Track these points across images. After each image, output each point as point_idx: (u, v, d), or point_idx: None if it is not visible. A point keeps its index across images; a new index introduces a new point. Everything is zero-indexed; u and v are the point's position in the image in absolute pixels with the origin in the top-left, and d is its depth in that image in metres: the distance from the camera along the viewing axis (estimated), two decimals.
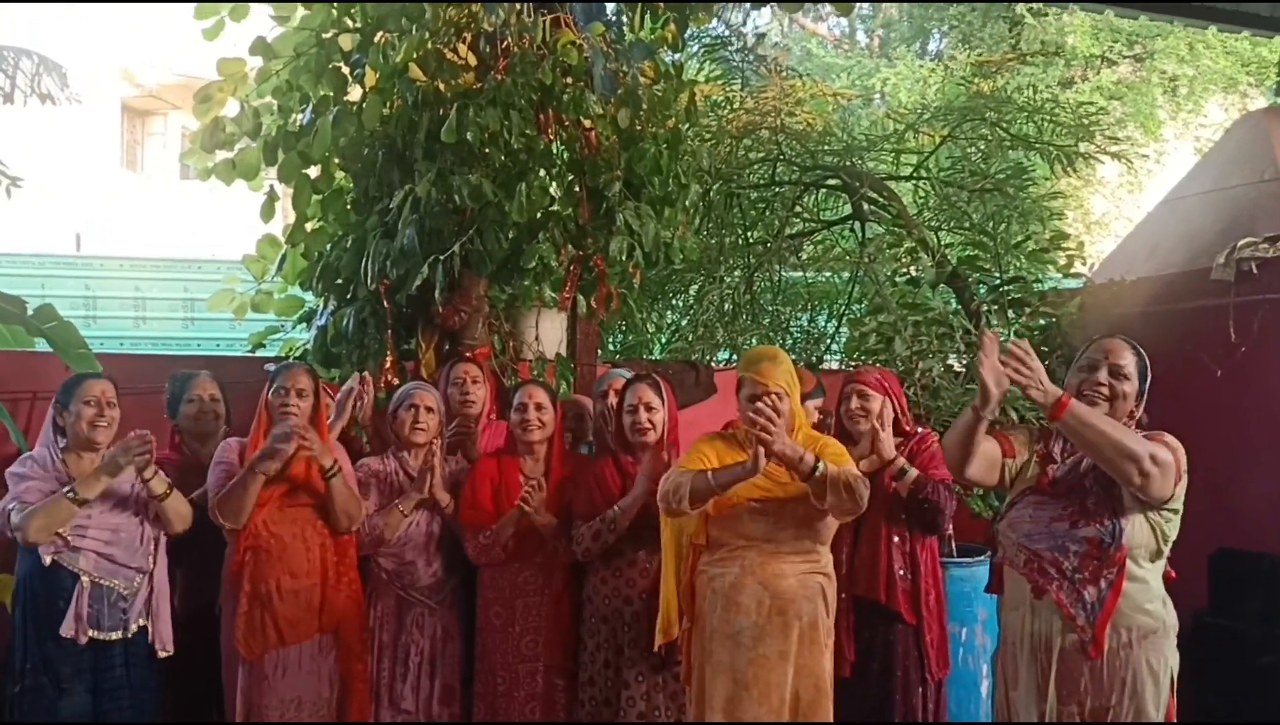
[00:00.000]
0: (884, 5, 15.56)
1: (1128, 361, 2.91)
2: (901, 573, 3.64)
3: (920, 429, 3.89)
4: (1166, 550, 2.90)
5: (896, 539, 3.66)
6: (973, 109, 6.30)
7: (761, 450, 3.02)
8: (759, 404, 3.07)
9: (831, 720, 3.25)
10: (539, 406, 3.83)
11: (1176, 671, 2.88)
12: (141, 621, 3.48)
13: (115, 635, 3.42)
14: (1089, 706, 2.80)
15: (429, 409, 3.87)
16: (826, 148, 6.33)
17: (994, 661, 3.16)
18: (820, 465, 3.05)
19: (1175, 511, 2.89)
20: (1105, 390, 2.88)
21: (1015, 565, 2.97)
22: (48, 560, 3.33)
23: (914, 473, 3.58)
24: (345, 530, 3.65)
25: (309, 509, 3.63)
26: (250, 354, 5.68)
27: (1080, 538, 2.85)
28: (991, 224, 5.92)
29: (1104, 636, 2.79)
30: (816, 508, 3.15)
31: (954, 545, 4.61)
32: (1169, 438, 2.87)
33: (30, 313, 4.97)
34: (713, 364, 6.02)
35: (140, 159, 17.20)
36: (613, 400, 4.00)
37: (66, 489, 3.31)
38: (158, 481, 3.43)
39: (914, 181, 6.59)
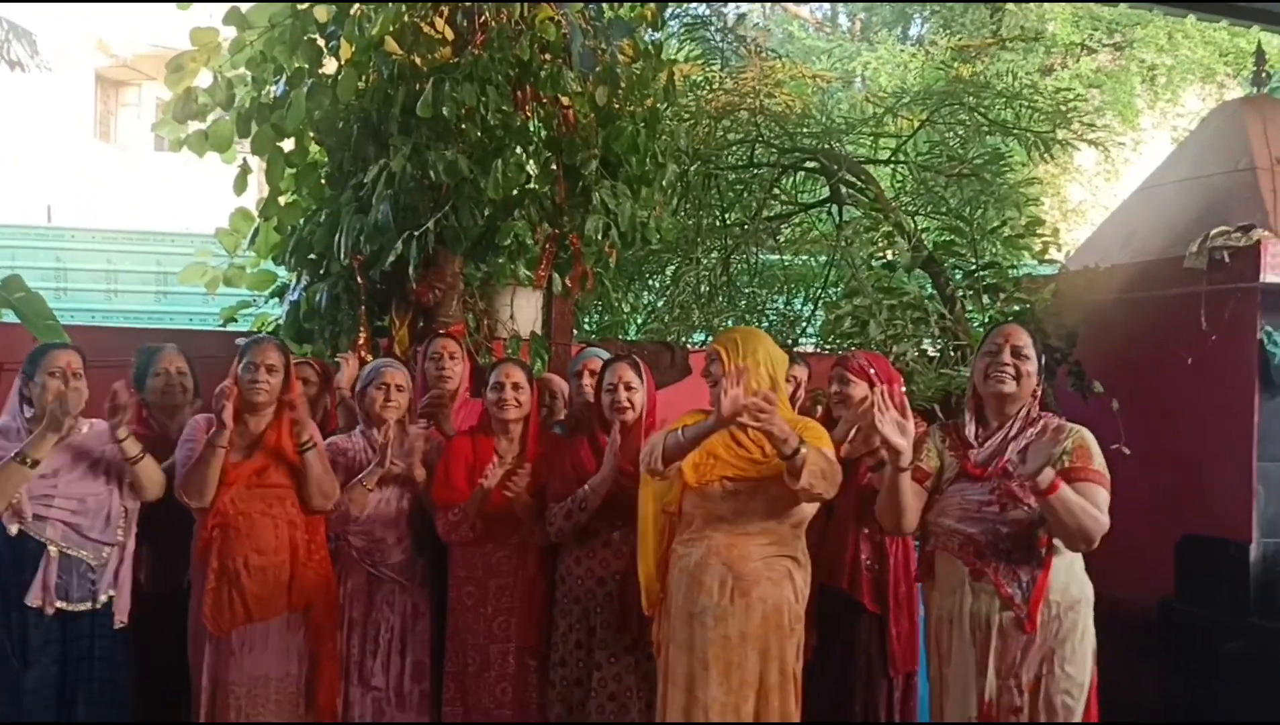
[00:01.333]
0: None
1: (1025, 342, 3.09)
2: (868, 562, 3.63)
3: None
4: None
5: (866, 529, 3.63)
6: (952, 94, 6.31)
7: (726, 404, 3.02)
8: (753, 399, 3.03)
9: (795, 706, 3.25)
10: (516, 386, 3.80)
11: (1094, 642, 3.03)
12: (110, 592, 3.44)
13: (84, 607, 3.37)
14: (1024, 679, 2.93)
15: (399, 387, 3.85)
16: (805, 130, 6.33)
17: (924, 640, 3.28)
18: (802, 448, 3.06)
19: None
20: (1011, 370, 3.06)
21: (950, 549, 3.09)
22: (13, 530, 3.29)
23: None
24: (319, 509, 3.62)
25: (278, 489, 3.58)
26: (222, 328, 5.65)
27: (1010, 520, 2.99)
28: (968, 209, 5.94)
29: (1037, 612, 2.93)
30: (788, 489, 3.15)
31: None
32: (1104, 477, 3.00)
33: None
34: (688, 345, 6.01)
35: (113, 130, 17.02)
36: (588, 380, 3.99)
37: (15, 453, 3.26)
38: (131, 443, 3.38)
39: (892, 165, 6.60)
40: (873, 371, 3.72)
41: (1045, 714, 2.92)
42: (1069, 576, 2.99)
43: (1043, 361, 3.13)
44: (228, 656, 3.51)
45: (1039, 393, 3.10)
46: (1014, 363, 3.04)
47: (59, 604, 3.32)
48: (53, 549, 3.33)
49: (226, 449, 3.45)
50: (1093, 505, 2.91)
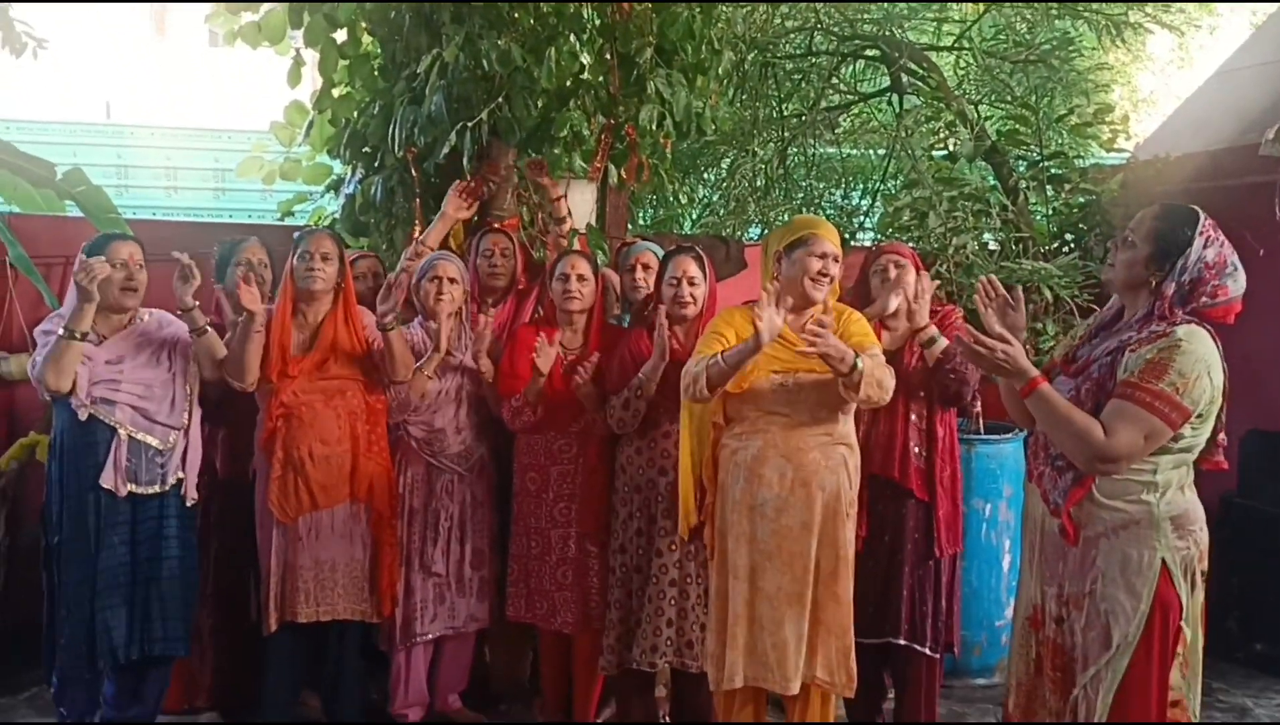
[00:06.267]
0: None
1: (1139, 226, 2.70)
2: (916, 450, 3.64)
3: (943, 306, 3.86)
4: (1176, 449, 2.64)
5: (914, 417, 3.65)
6: None
7: (764, 326, 3.04)
8: (809, 325, 3.10)
9: (851, 589, 3.29)
10: (581, 277, 3.82)
11: (1171, 562, 2.63)
12: (179, 474, 3.52)
13: (153, 489, 3.44)
14: (1067, 591, 2.72)
15: (452, 280, 3.87)
16: (866, 16, 6.13)
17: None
18: (859, 363, 3.07)
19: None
20: (1115, 256, 2.75)
21: (1029, 445, 2.93)
22: (84, 415, 3.35)
23: (944, 342, 3.56)
24: (402, 378, 3.70)
25: (339, 380, 3.67)
26: (280, 222, 5.68)
27: None
28: (1034, 97, 5.74)
29: (1070, 523, 2.69)
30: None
31: (983, 423, 4.61)
32: (1161, 399, 2.55)
33: (59, 177, 4.98)
34: (743, 239, 5.95)
35: (168, 25, 16.97)
36: (641, 274, 3.98)
37: (62, 331, 3.27)
38: (198, 312, 3.45)
39: (956, 52, 6.40)
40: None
41: (1084, 630, 2.67)
42: (1126, 492, 2.63)
43: (1178, 254, 2.63)
44: (295, 542, 3.63)
45: (1164, 289, 2.63)
46: (1119, 252, 2.73)
47: (130, 486, 3.40)
48: (122, 432, 3.38)
49: (263, 333, 3.52)
50: (1109, 424, 2.56)
